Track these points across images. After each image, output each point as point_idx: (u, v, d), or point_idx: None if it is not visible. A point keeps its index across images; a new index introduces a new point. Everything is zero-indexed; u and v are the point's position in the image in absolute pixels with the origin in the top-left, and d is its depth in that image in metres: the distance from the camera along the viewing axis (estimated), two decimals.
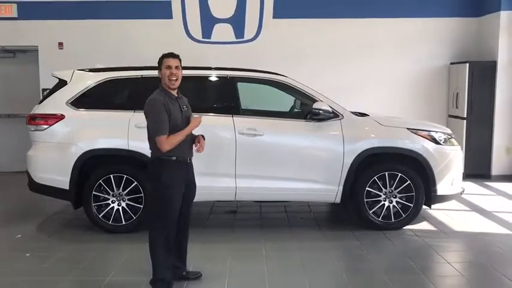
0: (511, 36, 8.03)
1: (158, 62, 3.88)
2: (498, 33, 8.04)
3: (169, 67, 3.79)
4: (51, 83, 8.35)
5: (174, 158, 3.73)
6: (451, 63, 8.70)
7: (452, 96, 8.62)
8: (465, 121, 8.22)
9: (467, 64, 8.16)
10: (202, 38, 8.72)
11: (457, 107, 8.45)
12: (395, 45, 8.72)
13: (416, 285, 4.05)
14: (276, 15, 8.67)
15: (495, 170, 8.25)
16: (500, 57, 8.06)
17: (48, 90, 5.85)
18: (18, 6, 8.60)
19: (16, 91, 8.92)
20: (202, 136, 3.99)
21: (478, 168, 8.27)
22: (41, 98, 8.58)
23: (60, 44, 8.68)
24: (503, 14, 7.99)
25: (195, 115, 4.00)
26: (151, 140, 3.75)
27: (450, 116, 8.72)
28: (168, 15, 8.68)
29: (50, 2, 8.63)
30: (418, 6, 8.69)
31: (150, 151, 3.82)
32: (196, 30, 8.70)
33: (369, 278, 4.25)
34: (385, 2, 8.69)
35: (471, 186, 7.60)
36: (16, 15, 8.61)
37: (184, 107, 3.92)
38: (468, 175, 8.10)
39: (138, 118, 5.16)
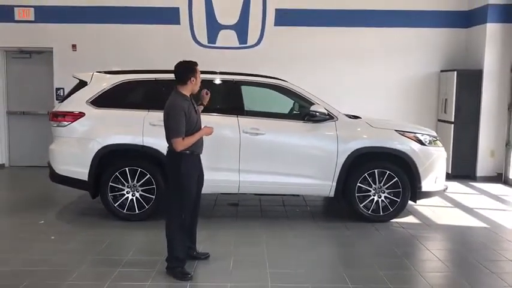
0: (496, 47, 8.58)
1: (190, 69, 4.28)
2: (484, 44, 8.59)
3: (200, 76, 4.31)
4: (64, 83, 9.02)
5: (188, 152, 4.26)
6: (441, 71, 9.27)
7: (441, 102, 9.19)
8: (453, 125, 8.77)
9: (455, 72, 8.72)
10: (208, 43, 9.25)
11: (445, 112, 9.01)
12: (389, 53, 9.25)
13: (398, 267, 4.60)
14: (277, 23, 9.22)
15: (480, 171, 8.79)
16: (486, 66, 8.61)
17: (69, 90, 6.32)
18: (35, 10, 9.10)
19: (31, 90, 9.42)
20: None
21: (464, 169, 8.82)
22: (55, 96, 9.21)
23: (74, 46, 9.18)
24: (489, 26, 8.54)
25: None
26: (170, 139, 4.25)
27: (439, 120, 9.28)
28: (176, 21, 9.21)
29: (65, 6, 9.13)
30: (411, 17, 9.23)
31: (168, 146, 4.34)
32: (202, 35, 9.23)
33: (357, 261, 4.81)
34: (380, 12, 9.21)
35: (456, 186, 8.17)
36: (33, 19, 9.11)
37: (196, 106, 4.46)
38: (455, 176, 8.70)
39: (152, 117, 5.77)
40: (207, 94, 4.71)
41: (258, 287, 4.08)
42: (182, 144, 4.17)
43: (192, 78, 4.29)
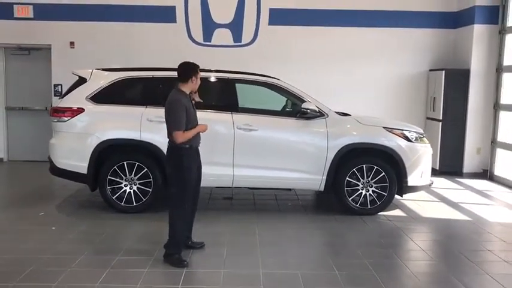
0: (482, 47, 8.84)
1: (192, 69, 4.58)
2: (471, 44, 8.86)
3: (200, 78, 4.63)
4: (62, 80, 9.22)
5: (188, 145, 4.51)
6: (430, 70, 9.54)
7: (429, 100, 9.46)
8: (441, 123, 9.04)
9: (444, 71, 8.99)
10: (204, 41, 9.47)
11: (433, 110, 9.28)
12: (380, 52, 9.51)
13: (383, 256, 4.85)
14: (271, 22, 9.45)
15: (466, 168, 9.07)
16: (473, 66, 8.88)
17: (69, 86, 6.52)
18: (34, 7, 9.29)
19: (30, 86, 9.62)
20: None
21: (451, 166, 9.10)
22: (53, 93, 9.41)
23: (72, 44, 9.37)
24: (477, 27, 8.81)
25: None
26: (171, 132, 4.50)
27: (428, 118, 9.55)
28: (172, 19, 9.42)
29: (63, 4, 9.32)
30: (401, 18, 9.49)
31: (168, 142, 4.56)
32: (198, 34, 9.45)
33: (344, 250, 5.07)
34: (372, 12, 9.46)
35: (443, 182, 8.46)
36: (32, 16, 9.29)
37: (193, 103, 4.70)
38: (442, 172, 8.98)
39: (150, 113, 6.00)
40: (195, 93, 4.96)
41: (250, 274, 4.32)
42: (183, 136, 4.43)
43: (193, 78, 4.57)
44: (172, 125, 4.46)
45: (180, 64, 4.63)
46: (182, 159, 4.48)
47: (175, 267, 4.40)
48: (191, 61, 4.68)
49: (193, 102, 4.68)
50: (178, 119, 4.42)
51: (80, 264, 4.45)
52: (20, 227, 5.63)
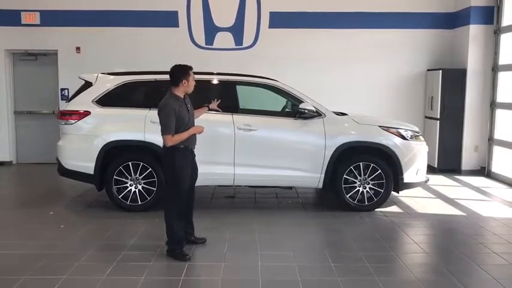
0: (478, 47, 9.02)
1: (182, 72, 4.68)
2: (468, 44, 9.04)
3: (193, 79, 4.75)
4: (69, 84, 9.48)
5: (182, 146, 4.70)
6: (428, 70, 9.72)
7: (427, 100, 9.64)
8: (438, 122, 9.22)
9: (441, 71, 9.17)
10: (206, 44, 9.71)
11: (431, 109, 9.46)
12: (379, 53, 9.70)
13: (377, 249, 5.06)
14: (272, 25, 9.67)
15: (465, 165, 9.23)
16: (470, 65, 9.05)
17: (76, 90, 6.76)
18: (40, 14, 9.56)
19: (37, 90, 9.89)
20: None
21: (449, 163, 9.26)
22: (60, 97, 9.67)
23: (78, 49, 9.64)
24: (472, 27, 8.99)
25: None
26: (161, 134, 4.68)
27: (426, 117, 9.73)
28: (175, 24, 9.66)
29: (69, 10, 9.58)
30: (399, 19, 9.67)
31: (163, 142, 4.76)
32: (200, 37, 9.68)
33: (340, 244, 5.28)
34: (370, 14, 9.65)
35: (441, 179, 8.63)
36: (39, 22, 9.56)
37: (188, 105, 4.84)
38: (441, 170, 9.15)
39: (153, 115, 6.15)
40: (216, 100, 5.36)
41: (248, 267, 4.54)
42: (171, 140, 4.60)
43: (184, 81, 4.70)
44: (161, 128, 4.62)
45: (171, 68, 4.74)
46: (175, 160, 4.65)
47: (178, 261, 4.62)
48: (183, 64, 4.79)
49: (188, 106, 4.79)
50: (167, 123, 4.56)
51: (87, 259, 4.69)
52: (30, 225, 5.88)
